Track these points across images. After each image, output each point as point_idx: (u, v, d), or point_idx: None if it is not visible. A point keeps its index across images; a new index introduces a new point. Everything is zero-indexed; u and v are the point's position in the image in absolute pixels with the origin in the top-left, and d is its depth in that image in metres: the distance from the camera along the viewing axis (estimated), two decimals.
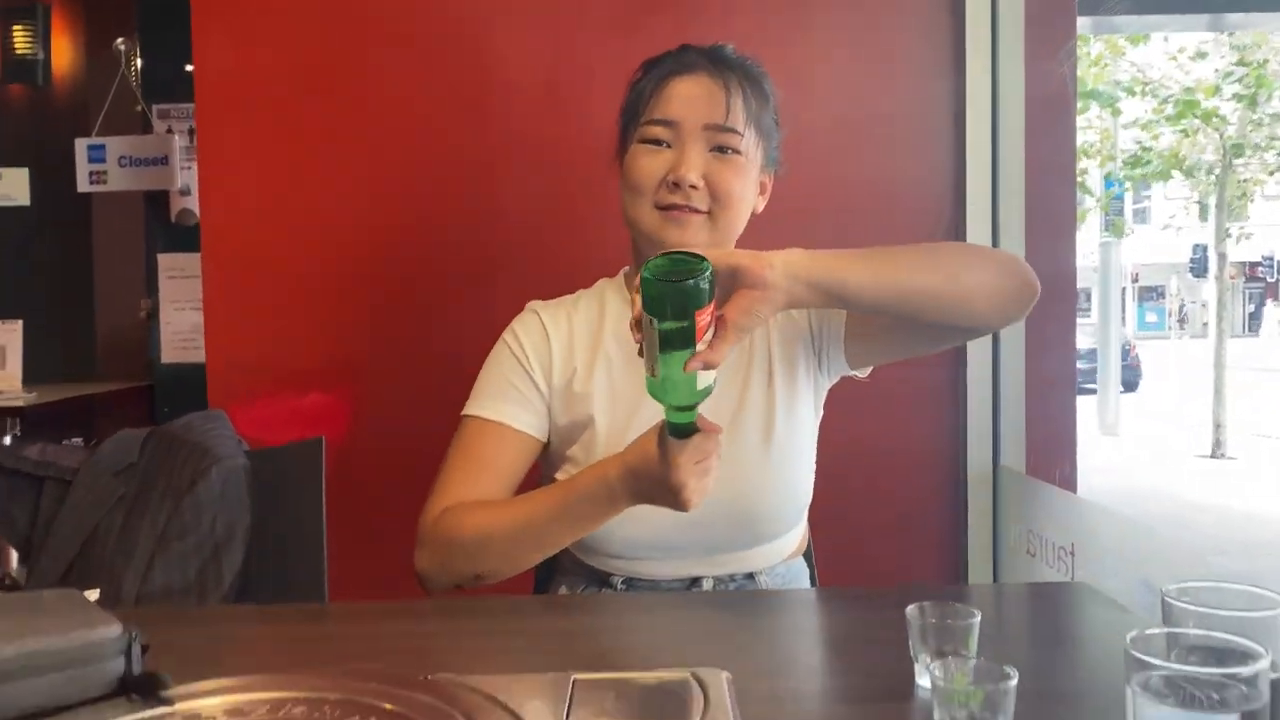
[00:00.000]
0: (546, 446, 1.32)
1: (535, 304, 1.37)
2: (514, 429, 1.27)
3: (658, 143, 1.22)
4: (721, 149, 1.22)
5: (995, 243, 1.88)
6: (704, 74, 1.23)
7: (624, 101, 1.30)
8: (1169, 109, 9.98)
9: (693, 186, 1.20)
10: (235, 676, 0.81)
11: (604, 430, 1.26)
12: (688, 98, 1.22)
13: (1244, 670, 0.55)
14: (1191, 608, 0.65)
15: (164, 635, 0.91)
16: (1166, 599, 0.67)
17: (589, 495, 1.12)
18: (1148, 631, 0.61)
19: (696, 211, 1.21)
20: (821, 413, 1.33)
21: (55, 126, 4.28)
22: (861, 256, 1.09)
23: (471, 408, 1.29)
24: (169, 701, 0.77)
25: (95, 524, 1.38)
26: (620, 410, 1.27)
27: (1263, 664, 0.55)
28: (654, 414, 1.16)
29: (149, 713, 0.76)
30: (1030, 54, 1.87)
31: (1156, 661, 0.57)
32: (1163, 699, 0.56)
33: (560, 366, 1.30)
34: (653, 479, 1.04)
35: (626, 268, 1.38)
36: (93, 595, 0.92)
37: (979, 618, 0.83)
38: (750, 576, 1.26)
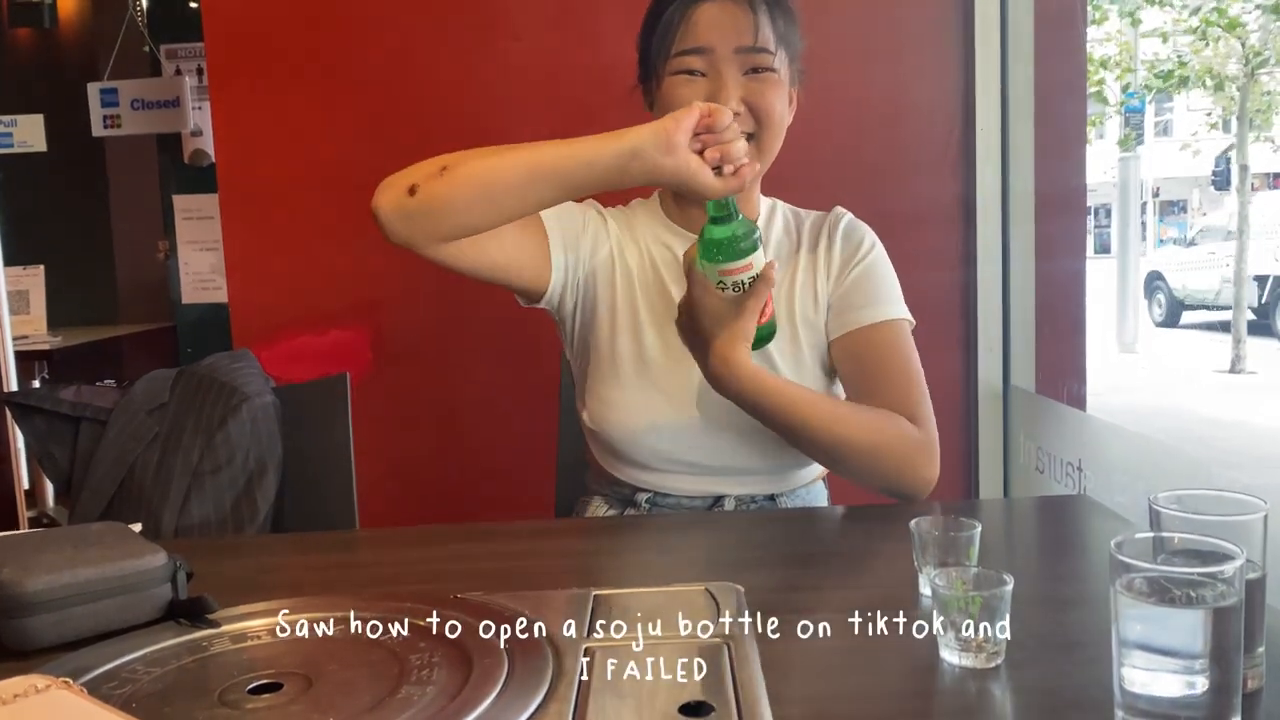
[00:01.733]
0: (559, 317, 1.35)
1: (592, 202, 1.37)
2: (544, 227, 1.26)
3: (691, 72, 1.23)
4: (756, 69, 1.22)
5: (1004, 159, 1.88)
6: None
7: (643, 28, 1.29)
8: (1192, 20, 9.74)
9: (735, 113, 1.19)
10: (276, 600, 0.86)
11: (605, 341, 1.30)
12: (715, 23, 1.22)
13: (1222, 569, 0.59)
14: (1176, 513, 0.68)
15: (203, 565, 0.96)
16: (1154, 506, 0.70)
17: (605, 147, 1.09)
18: (1133, 536, 0.65)
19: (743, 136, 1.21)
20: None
21: (64, 70, 4.27)
22: (787, 406, 1.16)
23: None
24: (215, 624, 0.82)
25: (132, 461, 1.44)
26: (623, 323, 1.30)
27: (1238, 563, 0.58)
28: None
29: (197, 634, 0.81)
30: None
31: (1139, 563, 0.60)
32: (1144, 598, 0.59)
33: (605, 252, 1.32)
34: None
35: (657, 191, 1.40)
36: (135, 528, 0.97)
37: (979, 529, 0.87)
38: (771, 498, 1.31)
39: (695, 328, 1.13)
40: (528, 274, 1.26)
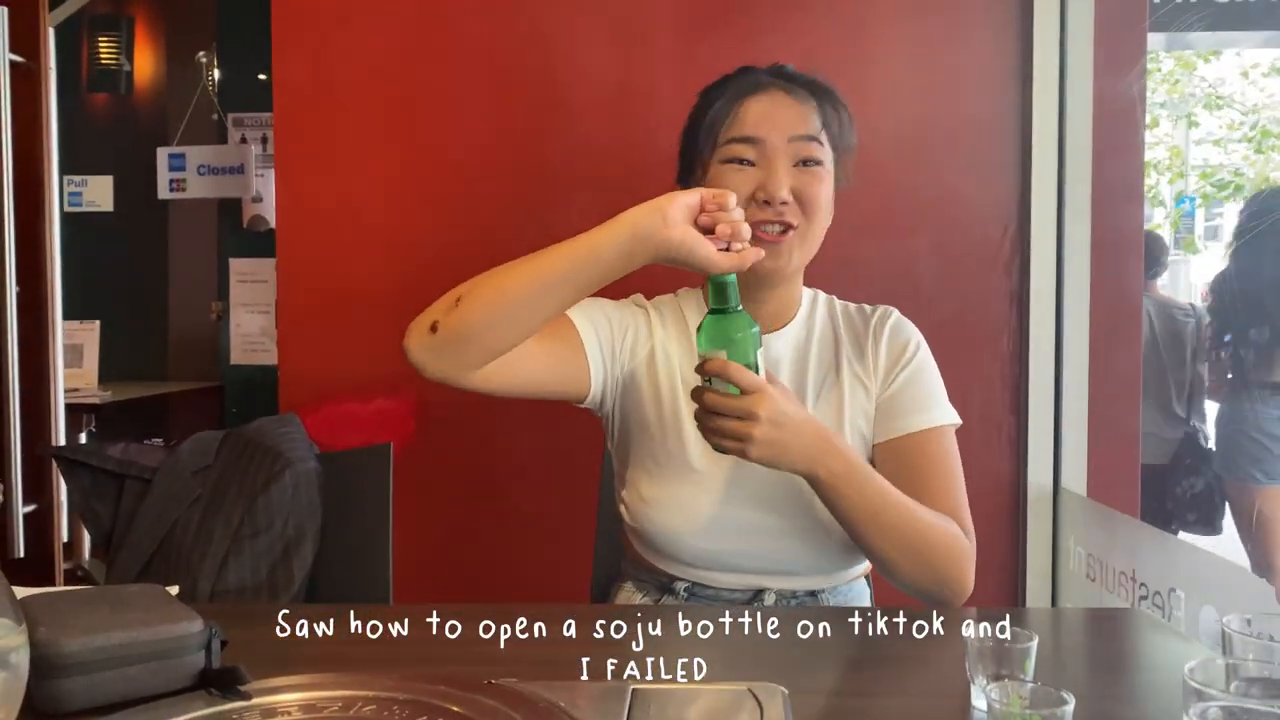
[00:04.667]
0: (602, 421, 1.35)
1: (637, 296, 1.39)
2: (579, 334, 1.26)
3: (742, 161, 1.23)
4: (805, 161, 1.23)
5: (1059, 258, 1.86)
6: (777, 90, 1.25)
7: (688, 125, 1.31)
8: (1245, 128, 9.73)
9: (784, 202, 1.21)
10: (308, 674, 0.84)
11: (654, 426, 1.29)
12: (767, 113, 1.23)
13: None
14: (1252, 639, 0.65)
15: (237, 632, 0.95)
16: (1227, 629, 0.67)
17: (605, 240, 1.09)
18: (1207, 661, 0.62)
19: (788, 228, 1.22)
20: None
21: (136, 134, 4.42)
22: (862, 485, 1.15)
23: None
24: (246, 696, 0.81)
25: (173, 522, 1.44)
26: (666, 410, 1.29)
27: None
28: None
29: (227, 706, 0.80)
30: (1099, 70, 1.85)
31: (1215, 692, 0.57)
32: None
33: (645, 352, 1.32)
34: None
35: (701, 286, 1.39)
36: (173, 591, 0.97)
37: (1036, 641, 0.84)
38: (813, 594, 1.27)
39: (779, 410, 1.08)
40: (567, 385, 1.27)
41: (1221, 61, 9.64)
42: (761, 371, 1.09)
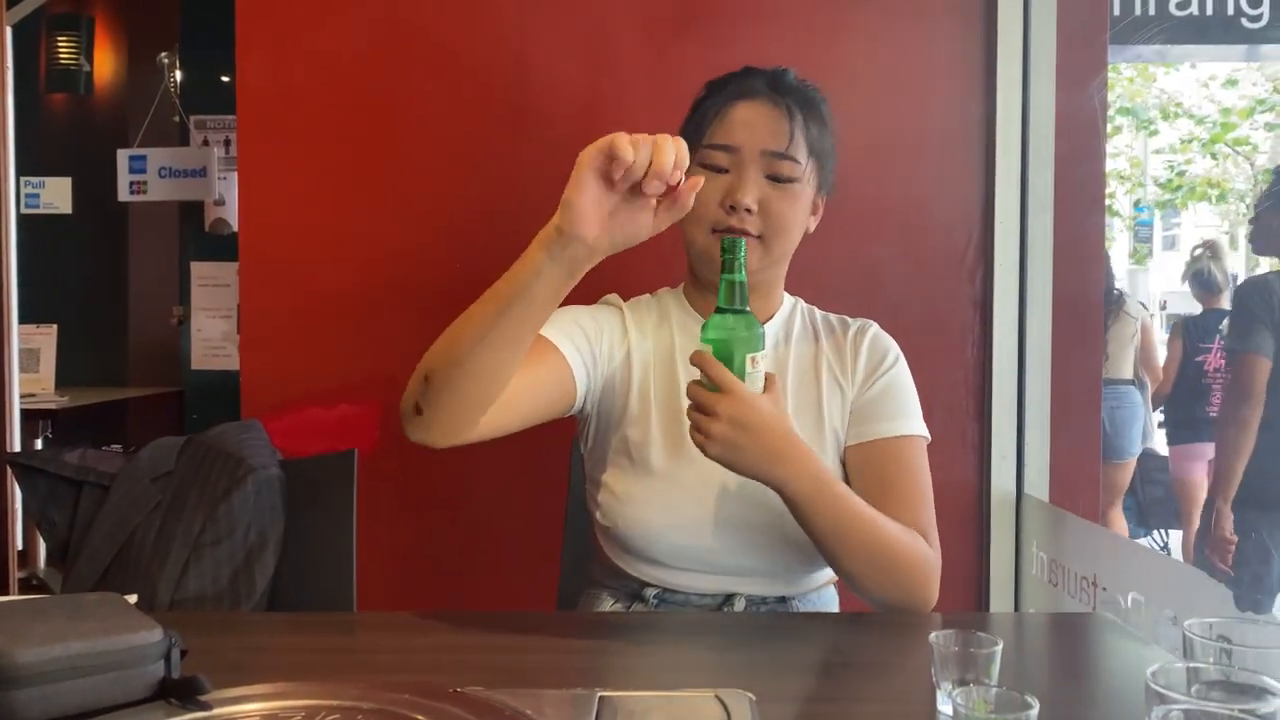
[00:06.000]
0: (584, 430, 1.34)
1: (613, 297, 1.39)
2: (560, 351, 1.25)
3: (716, 168, 1.24)
4: (778, 177, 1.24)
5: (1023, 265, 1.88)
6: (765, 100, 1.26)
7: (688, 117, 1.32)
8: (1203, 134, 9.93)
9: (748, 210, 1.22)
10: (270, 684, 0.83)
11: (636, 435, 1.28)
12: (749, 123, 1.24)
13: (1264, 707, 0.56)
14: (1213, 643, 0.66)
15: (198, 640, 0.94)
16: (1188, 633, 0.67)
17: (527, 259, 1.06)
18: (1168, 665, 0.62)
19: (749, 235, 1.23)
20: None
21: (95, 136, 4.36)
22: (828, 504, 1.13)
23: None
24: (207, 706, 0.79)
25: (132, 529, 1.41)
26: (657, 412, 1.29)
27: None
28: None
29: (187, 716, 0.78)
30: (1062, 80, 1.88)
31: (1177, 696, 0.58)
32: None
33: (621, 354, 1.32)
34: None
35: (683, 284, 1.40)
36: (131, 599, 0.95)
37: (1000, 646, 0.84)
38: (783, 600, 1.28)
39: (744, 412, 1.08)
40: (560, 405, 1.27)
41: (1180, 74, 9.82)
42: (750, 375, 1.08)
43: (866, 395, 1.30)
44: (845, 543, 1.15)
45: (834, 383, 1.31)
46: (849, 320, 1.38)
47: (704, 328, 1.11)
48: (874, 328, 1.36)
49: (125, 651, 0.82)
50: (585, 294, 1.40)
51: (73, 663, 0.81)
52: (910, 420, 1.29)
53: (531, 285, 1.05)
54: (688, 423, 1.15)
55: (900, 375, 1.32)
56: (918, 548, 1.19)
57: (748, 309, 1.09)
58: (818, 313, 1.40)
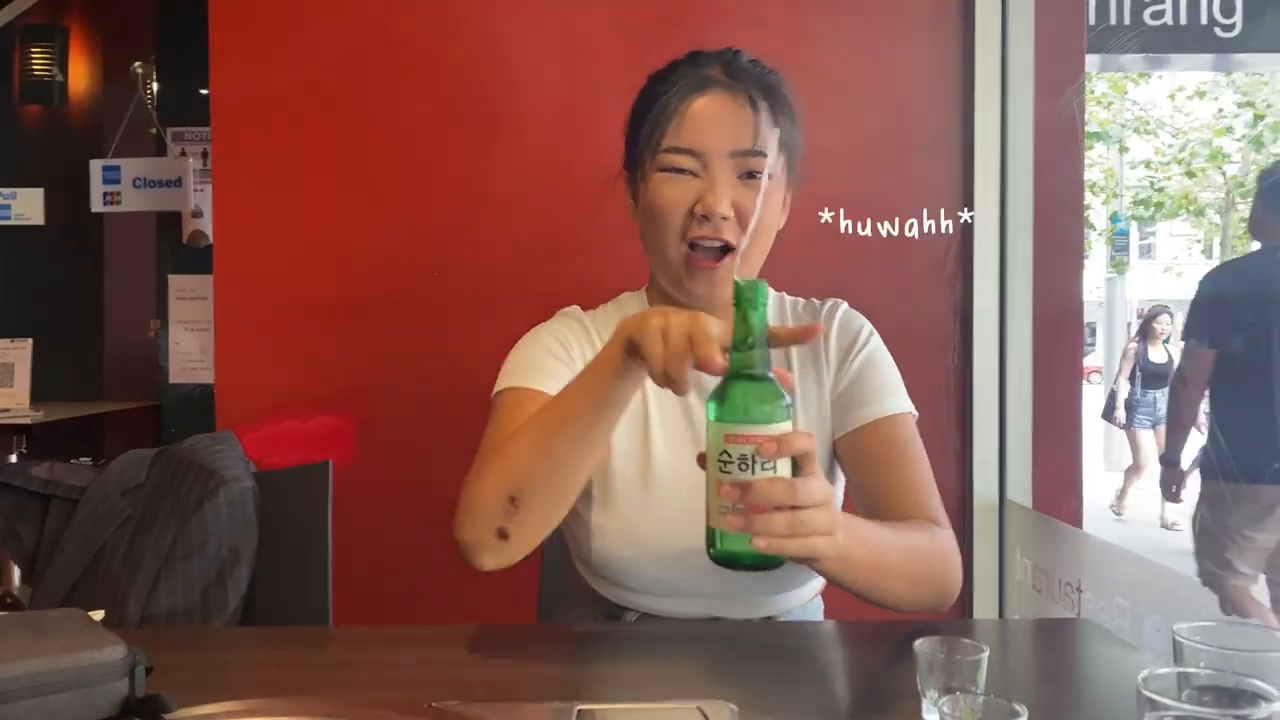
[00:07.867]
0: None
1: (573, 309, 1.32)
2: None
3: (681, 171, 1.17)
4: (751, 174, 1.15)
5: (1003, 274, 1.88)
6: (723, 91, 1.17)
7: (632, 113, 1.24)
8: (1176, 148, 10.06)
9: (723, 218, 1.14)
10: (239, 700, 0.81)
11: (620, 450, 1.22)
12: (710, 121, 1.15)
13: (1256, 712, 0.55)
14: (1203, 647, 0.65)
15: (168, 657, 0.91)
16: (1178, 638, 0.66)
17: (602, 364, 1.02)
18: (1159, 670, 0.61)
19: (726, 246, 1.16)
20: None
21: (70, 147, 4.31)
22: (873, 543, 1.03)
23: (504, 383, 1.20)
24: None
25: (101, 544, 1.38)
26: (635, 428, 1.23)
27: (1275, 705, 0.55)
28: (665, 439, 1.16)
29: None
30: (1040, 89, 1.88)
31: (1168, 701, 0.56)
32: None
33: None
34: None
35: (645, 287, 1.33)
36: (97, 615, 0.92)
37: (987, 653, 0.83)
38: (769, 619, 1.23)
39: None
40: None
41: (1150, 85, 9.94)
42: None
43: (845, 381, 1.23)
44: (883, 580, 1.05)
45: (809, 377, 1.25)
46: (816, 302, 1.31)
47: (730, 401, 0.87)
48: (843, 306, 1.29)
49: (88, 669, 0.80)
50: (548, 303, 1.37)
51: (33, 680, 0.78)
52: (895, 398, 1.22)
53: (600, 392, 1.01)
54: (660, 452, 1.11)
55: (876, 351, 1.25)
56: (938, 543, 1.12)
57: (771, 374, 0.88)
58: (786, 299, 1.32)
